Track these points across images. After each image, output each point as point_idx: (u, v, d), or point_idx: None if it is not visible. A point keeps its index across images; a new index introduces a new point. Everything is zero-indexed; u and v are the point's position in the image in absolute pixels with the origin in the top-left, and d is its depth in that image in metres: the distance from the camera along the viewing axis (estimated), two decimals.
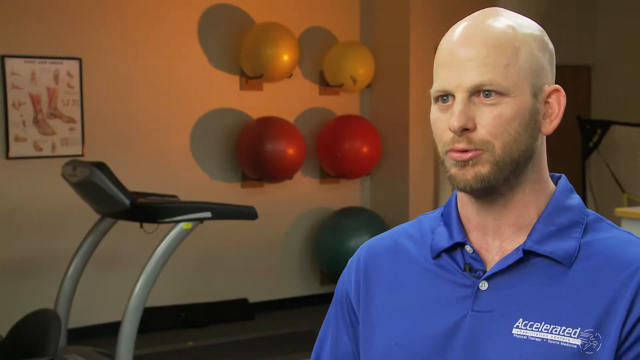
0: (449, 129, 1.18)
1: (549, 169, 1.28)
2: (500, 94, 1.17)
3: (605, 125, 6.73)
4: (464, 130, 1.17)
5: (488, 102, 1.17)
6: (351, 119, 6.68)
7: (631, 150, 6.57)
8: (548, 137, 1.26)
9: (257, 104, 6.48)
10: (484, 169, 1.18)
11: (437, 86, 1.20)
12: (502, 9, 1.24)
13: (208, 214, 4.49)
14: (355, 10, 6.94)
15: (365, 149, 6.56)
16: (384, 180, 6.94)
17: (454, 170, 1.20)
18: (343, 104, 6.90)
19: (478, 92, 1.17)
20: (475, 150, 1.18)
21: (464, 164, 1.18)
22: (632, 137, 6.57)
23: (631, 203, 6.34)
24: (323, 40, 6.75)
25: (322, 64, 6.72)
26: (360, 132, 6.58)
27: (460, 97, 1.17)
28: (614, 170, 6.64)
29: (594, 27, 7.71)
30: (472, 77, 1.17)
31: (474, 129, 1.17)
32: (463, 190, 1.21)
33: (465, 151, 1.18)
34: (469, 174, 1.18)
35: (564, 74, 8.16)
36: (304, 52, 6.56)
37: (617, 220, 4.57)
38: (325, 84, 6.78)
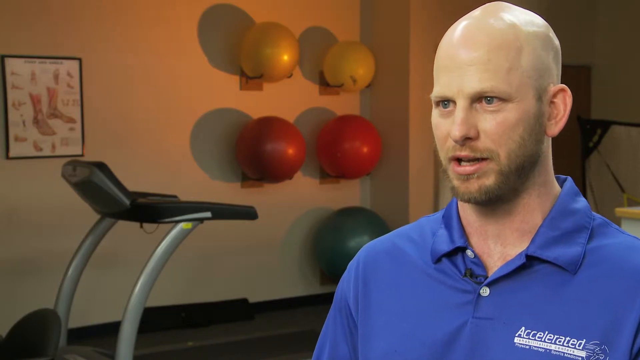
0: (451, 138, 1.13)
1: None
2: (502, 99, 1.12)
3: (605, 125, 6.72)
4: (467, 139, 1.12)
5: (490, 108, 1.12)
6: (351, 119, 6.68)
7: (631, 150, 6.57)
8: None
9: (257, 104, 6.47)
10: (488, 181, 1.13)
11: (437, 91, 1.15)
12: (504, 4, 1.19)
13: (208, 214, 4.49)
14: (355, 10, 6.93)
15: (365, 149, 6.55)
16: (384, 180, 6.93)
17: (457, 183, 1.15)
18: (343, 104, 6.90)
19: (480, 98, 1.12)
20: (480, 161, 1.13)
21: (467, 177, 1.14)
22: (632, 137, 6.56)
23: (631, 203, 6.33)
24: (323, 40, 6.74)
25: (322, 64, 6.72)
26: (360, 132, 6.58)
27: (461, 104, 1.12)
28: (614, 170, 6.63)
29: (594, 27, 7.71)
30: (474, 83, 1.11)
31: (477, 137, 1.12)
32: (467, 202, 1.17)
33: (469, 160, 1.13)
34: (472, 187, 1.14)
35: (564, 74, 8.15)
36: (304, 52, 6.56)
37: (617, 221, 4.56)
38: (325, 84, 6.78)
